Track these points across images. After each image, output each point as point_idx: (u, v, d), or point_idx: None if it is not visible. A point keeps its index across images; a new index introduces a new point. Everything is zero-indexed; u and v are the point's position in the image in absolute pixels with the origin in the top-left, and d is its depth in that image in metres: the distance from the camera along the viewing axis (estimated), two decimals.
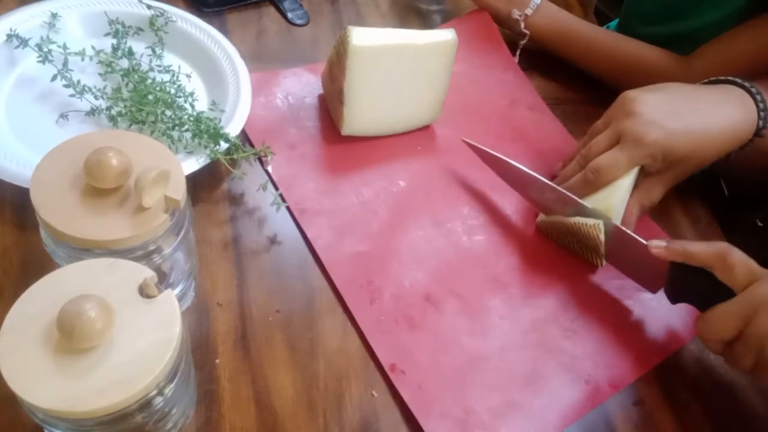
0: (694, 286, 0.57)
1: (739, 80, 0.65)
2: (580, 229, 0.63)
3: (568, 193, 0.63)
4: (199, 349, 0.55)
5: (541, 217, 0.68)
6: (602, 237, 0.62)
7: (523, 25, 0.83)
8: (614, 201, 0.62)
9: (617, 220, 0.63)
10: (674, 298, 0.60)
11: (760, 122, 0.63)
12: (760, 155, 0.66)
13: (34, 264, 0.57)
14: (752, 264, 0.53)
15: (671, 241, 0.58)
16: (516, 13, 0.82)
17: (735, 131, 0.63)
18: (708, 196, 0.76)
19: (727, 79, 0.66)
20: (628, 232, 0.60)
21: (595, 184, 0.63)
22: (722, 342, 0.54)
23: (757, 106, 0.63)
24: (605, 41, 0.82)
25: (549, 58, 0.87)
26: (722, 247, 0.54)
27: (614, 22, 1.04)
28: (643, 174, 0.65)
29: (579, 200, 0.63)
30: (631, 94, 0.64)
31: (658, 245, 0.58)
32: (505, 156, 0.67)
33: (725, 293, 0.53)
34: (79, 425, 0.41)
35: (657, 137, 0.61)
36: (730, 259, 0.53)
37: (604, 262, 0.65)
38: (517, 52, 0.85)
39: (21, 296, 0.41)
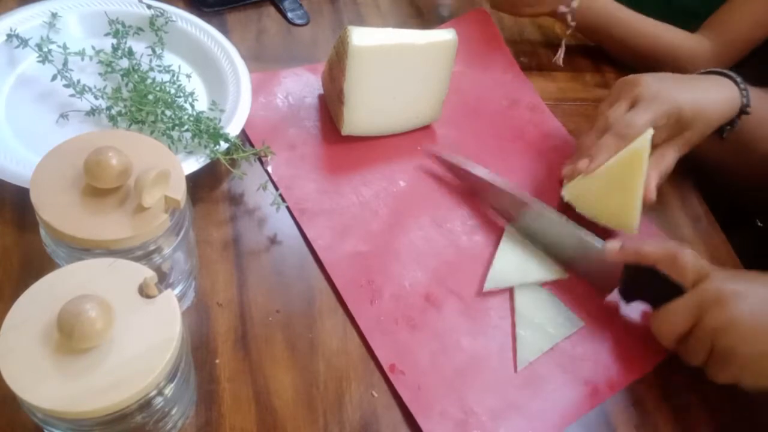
0: (646, 285, 0.59)
1: (720, 70, 0.72)
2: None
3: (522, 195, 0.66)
4: (199, 349, 0.55)
5: (567, 187, 0.68)
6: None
7: (571, 18, 0.83)
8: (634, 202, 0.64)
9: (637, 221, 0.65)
10: (628, 297, 0.62)
11: (744, 100, 0.69)
12: (744, 143, 0.72)
13: (34, 264, 0.57)
14: (702, 262, 0.57)
15: (624, 243, 0.61)
16: (563, 9, 0.82)
17: (726, 102, 0.69)
18: (708, 196, 0.76)
19: (716, 71, 0.72)
20: (587, 237, 0.63)
21: (625, 138, 0.64)
22: (675, 337, 0.56)
23: (738, 87, 0.69)
24: (645, 30, 0.85)
25: (549, 58, 0.87)
26: (673, 247, 0.58)
27: None
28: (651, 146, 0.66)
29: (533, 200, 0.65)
30: (630, 76, 0.69)
31: (611, 248, 0.61)
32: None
33: (676, 291, 0.56)
34: (79, 425, 0.41)
35: (670, 94, 0.66)
36: (681, 259, 0.57)
37: (637, 226, 0.65)
38: (561, 51, 0.85)
39: (21, 296, 0.41)
